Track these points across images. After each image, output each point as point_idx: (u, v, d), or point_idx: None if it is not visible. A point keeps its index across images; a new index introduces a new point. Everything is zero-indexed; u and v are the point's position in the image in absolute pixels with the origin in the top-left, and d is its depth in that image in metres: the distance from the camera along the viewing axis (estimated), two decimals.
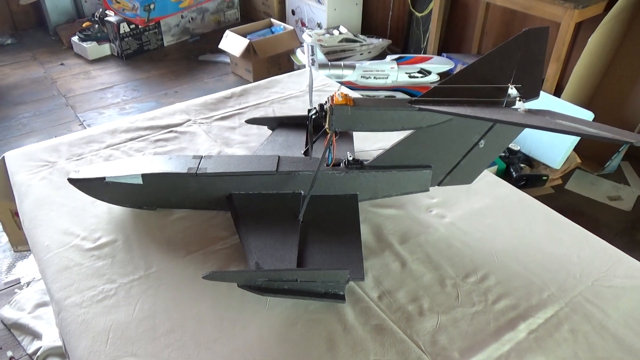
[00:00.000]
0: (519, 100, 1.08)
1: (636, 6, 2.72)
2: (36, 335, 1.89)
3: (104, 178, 1.22)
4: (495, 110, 1.06)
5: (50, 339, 1.83)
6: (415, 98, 1.13)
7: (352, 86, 3.16)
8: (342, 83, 3.09)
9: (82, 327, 1.02)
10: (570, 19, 2.56)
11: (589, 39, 2.65)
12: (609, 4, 2.66)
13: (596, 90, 2.97)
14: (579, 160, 2.76)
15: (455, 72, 1.20)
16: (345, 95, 1.12)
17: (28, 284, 2.11)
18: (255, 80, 3.69)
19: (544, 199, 2.61)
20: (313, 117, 1.19)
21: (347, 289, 1.09)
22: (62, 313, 1.06)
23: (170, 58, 4.18)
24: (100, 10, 4.16)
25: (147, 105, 3.53)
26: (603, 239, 2.27)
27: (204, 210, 1.31)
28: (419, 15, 3.71)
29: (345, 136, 1.44)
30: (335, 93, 1.13)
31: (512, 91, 1.10)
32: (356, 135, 1.48)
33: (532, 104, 1.11)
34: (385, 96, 3.25)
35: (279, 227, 1.17)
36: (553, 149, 2.67)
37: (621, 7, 2.60)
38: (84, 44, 4.05)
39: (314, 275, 1.04)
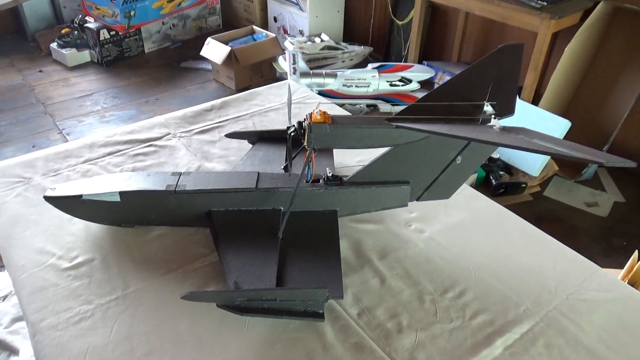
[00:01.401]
0: (494, 118, 1.09)
1: (610, 16, 2.78)
2: (13, 351, 1.85)
3: (80, 196, 1.21)
4: (471, 128, 1.07)
5: (28, 354, 1.80)
6: (393, 116, 1.14)
7: (333, 94, 3.17)
8: (323, 92, 3.10)
9: (57, 351, 1.01)
10: (547, 29, 2.61)
11: (566, 49, 2.70)
12: (584, 15, 2.72)
13: (573, 99, 3.03)
14: (556, 168, 2.81)
15: (433, 90, 1.21)
16: (324, 113, 1.13)
17: (4, 298, 2.07)
18: (237, 88, 3.70)
19: (523, 206, 2.69)
20: (292, 134, 1.19)
21: (326, 306, 1.10)
22: (38, 336, 1.05)
23: (151, 65, 4.15)
24: (80, 16, 4.11)
25: (127, 112, 3.50)
26: (580, 244, 2.30)
27: (183, 227, 1.30)
28: (400, 23, 3.74)
29: (325, 151, 1.44)
30: (313, 111, 1.13)
31: (488, 108, 1.11)
32: (336, 149, 1.48)
33: (508, 119, 1.13)
34: (367, 105, 3.27)
35: (258, 244, 1.17)
36: (531, 157, 2.71)
37: (596, 17, 2.66)
38: (63, 51, 4.00)
39: (293, 295, 1.04)
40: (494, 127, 1.05)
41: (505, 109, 1.13)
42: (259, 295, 1.04)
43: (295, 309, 1.05)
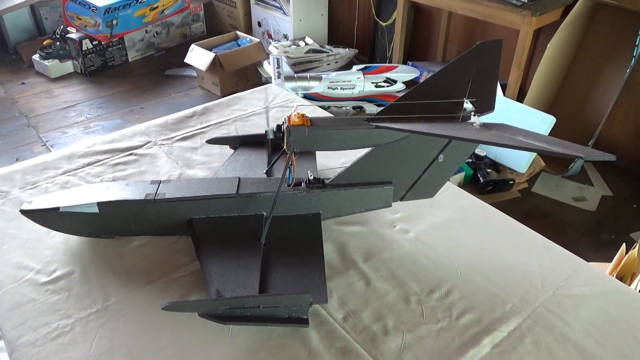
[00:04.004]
0: (474, 115, 1.08)
1: (592, 12, 2.79)
2: None
3: (58, 208, 1.18)
4: (451, 126, 1.06)
5: None
6: (373, 116, 1.13)
7: (319, 97, 3.16)
8: (309, 95, 3.09)
9: None
10: (529, 26, 2.62)
11: (548, 45, 2.71)
12: (565, 11, 2.73)
13: (557, 95, 3.04)
14: (543, 164, 2.82)
15: (412, 88, 1.20)
16: (302, 115, 1.11)
17: None
18: (222, 94, 3.68)
19: (512, 203, 2.69)
20: (271, 138, 1.18)
21: (311, 311, 1.08)
22: (15, 353, 1.02)
23: (135, 73, 4.12)
24: (62, 27, 4.08)
25: (112, 122, 3.46)
26: (569, 239, 2.30)
27: (165, 236, 1.27)
28: (384, 24, 3.74)
29: (308, 154, 1.43)
30: (292, 113, 1.11)
31: (468, 105, 1.11)
32: (319, 152, 1.47)
33: (490, 116, 1.12)
34: (353, 107, 3.26)
35: (240, 251, 1.15)
36: (518, 154, 2.72)
37: (577, 13, 2.67)
38: (46, 62, 3.96)
39: (276, 301, 1.03)
40: (474, 124, 1.04)
41: (485, 105, 1.13)
42: (241, 303, 1.02)
43: (279, 316, 1.03)
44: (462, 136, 1.01)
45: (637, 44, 2.55)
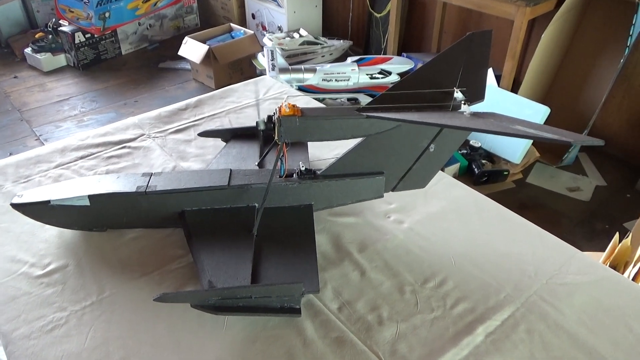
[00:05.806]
0: (465, 104, 1.08)
1: (585, 2, 2.79)
2: None
3: (48, 201, 1.18)
4: (442, 115, 1.07)
5: None
6: (364, 106, 1.13)
7: (313, 89, 3.15)
8: (303, 87, 3.08)
9: None
10: (523, 16, 2.62)
11: (542, 35, 2.71)
12: (559, 1, 2.73)
13: (552, 85, 3.04)
14: (538, 154, 2.82)
15: (403, 78, 1.20)
16: (293, 106, 1.11)
17: None
18: (217, 86, 3.67)
19: (506, 194, 2.70)
20: (262, 129, 1.18)
21: (306, 302, 1.08)
22: (10, 346, 1.02)
23: (129, 67, 4.10)
24: (54, 20, 4.05)
25: (106, 116, 3.45)
26: (564, 229, 2.31)
27: (159, 229, 1.27)
28: (378, 15, 3.72)
29: (300, 145, 1.42)
30: (282, 104, 1.11)
31: (458, 95, 1.11)
32: (313, 143, 1.47)
33: (482, 105, 1.12)
34: (348, 98, 3.26)
35: (232, 242, 1.15)
36: (513, 144, 2.72)
37: (571, 3, 2.67)
38: (38, 56, 3.93)
39: (268, 291, 1.03)
40: (465, 113, 1.04)
41: (475, 95, 1.13)
42: (233, 293, 1.02)
43: (271, 306, 1.04)
44: (453, 124, 1.01)
45: (630, 33, 2.55)
